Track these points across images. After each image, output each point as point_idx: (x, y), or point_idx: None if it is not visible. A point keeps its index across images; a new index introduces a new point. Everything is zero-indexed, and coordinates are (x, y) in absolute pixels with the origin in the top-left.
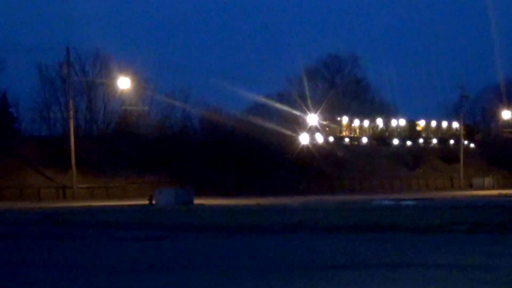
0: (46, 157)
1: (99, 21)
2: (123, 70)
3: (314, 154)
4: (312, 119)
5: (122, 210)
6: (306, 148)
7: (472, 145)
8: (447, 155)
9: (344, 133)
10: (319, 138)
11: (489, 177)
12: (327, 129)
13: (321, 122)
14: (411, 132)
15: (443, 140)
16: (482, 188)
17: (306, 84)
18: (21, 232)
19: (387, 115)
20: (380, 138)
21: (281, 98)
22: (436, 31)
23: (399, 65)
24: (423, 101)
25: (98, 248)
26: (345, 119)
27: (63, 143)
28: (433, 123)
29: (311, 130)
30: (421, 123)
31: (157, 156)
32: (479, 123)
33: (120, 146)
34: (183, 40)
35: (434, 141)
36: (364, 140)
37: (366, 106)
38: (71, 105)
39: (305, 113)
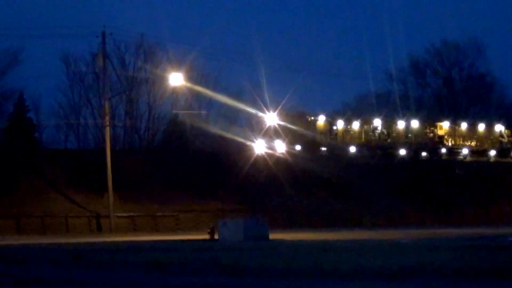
0: (74, 177)
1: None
2: (174, 63)
3: (424, 172)
4: (271, 119)
5: (175, 247)
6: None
7: None
8: None
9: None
10: (279, 146)
11: None
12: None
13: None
14: (428, 137)
15: (478, 152)
16: None
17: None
18: (42, 276)
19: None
20: (380, 147)
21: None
22: None
23: None
24: None
25: None
26: (321, 119)
27: (96, 158)
28: (463, 125)
29: (269, 134)
30: (444, 125)
31: (219, 176)
32: None
33: (169, 162)
34: (253, 26)
35: (465, 151)
36: (352, 149)
37: (490, 109)
38: (107, 108)
39: (262, 111)
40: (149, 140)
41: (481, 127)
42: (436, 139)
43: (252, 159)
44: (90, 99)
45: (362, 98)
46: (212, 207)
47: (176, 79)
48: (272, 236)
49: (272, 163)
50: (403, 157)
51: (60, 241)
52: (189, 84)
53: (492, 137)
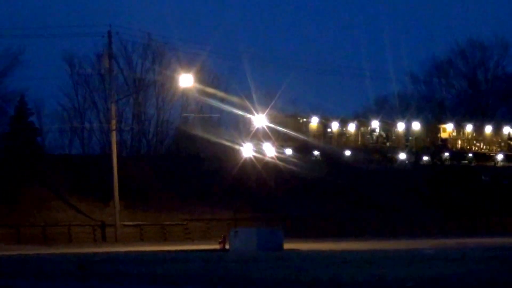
0: (78, 184)
1: None
2: (184, 64)
3: (446, 179)
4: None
5: (184, 257)
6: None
7: None
8: None
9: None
10: (268, 150)
11: None
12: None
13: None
14: (430, 140)
15: (484, 157)
16: None
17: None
18: None
19: None
20: (379, 150)
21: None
22: None
23: None
24: None
25: None
26: (314, 121)
27: (101, 164)
28: (469, 127)
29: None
30: (448, 127)
31: (231, 183)
32: None
33: (178, 169)
34: (266, 25)
35: (470, 154)
36: (347, 153)
37: None
38: (113, 112)
39: (250, 112)
40: (157, 145)
41: (488, 129)
42: (439, 142)
43: (241, 162)
44: (95, 101)
45: (384, 100)
46: (222, 216)
47: (186, 80)
48: (286, 246)
49: (261, 167)
50: (404, 161)
51: (63, 251)
52: (199, 86)
53: (500, 140)
